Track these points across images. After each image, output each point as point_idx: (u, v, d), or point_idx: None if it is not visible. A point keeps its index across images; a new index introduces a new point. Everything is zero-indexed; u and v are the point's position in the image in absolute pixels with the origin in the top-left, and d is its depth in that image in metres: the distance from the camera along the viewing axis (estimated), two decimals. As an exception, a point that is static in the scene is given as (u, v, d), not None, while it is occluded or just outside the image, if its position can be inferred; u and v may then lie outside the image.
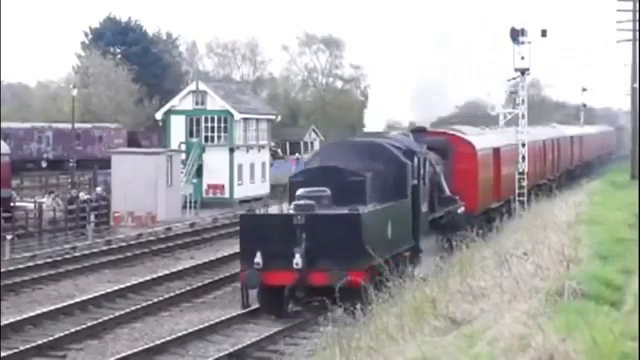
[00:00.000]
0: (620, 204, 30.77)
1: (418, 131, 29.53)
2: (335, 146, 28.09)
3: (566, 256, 15.53)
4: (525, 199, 37.28)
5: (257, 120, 58.12)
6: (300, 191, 22.73)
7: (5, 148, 41.55)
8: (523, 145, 40.50)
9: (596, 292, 13.38)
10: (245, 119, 55.94)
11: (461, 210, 29.40)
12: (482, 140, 35.57)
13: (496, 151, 36.80)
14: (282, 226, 22.32)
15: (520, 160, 40.22)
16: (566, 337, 10.16)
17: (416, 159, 25.62)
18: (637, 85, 50.00)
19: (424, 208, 25.91)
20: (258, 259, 21.71)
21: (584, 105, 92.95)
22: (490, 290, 15.20)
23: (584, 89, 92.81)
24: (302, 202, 22.26)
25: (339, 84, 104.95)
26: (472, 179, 32.29)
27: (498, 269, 16.69)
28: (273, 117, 62.05)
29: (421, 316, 14.58)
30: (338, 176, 23.28)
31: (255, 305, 22.92)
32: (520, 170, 39.96)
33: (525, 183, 39.71)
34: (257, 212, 24.93)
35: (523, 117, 40.97)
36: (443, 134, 32.87)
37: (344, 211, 21.87)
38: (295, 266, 21.42)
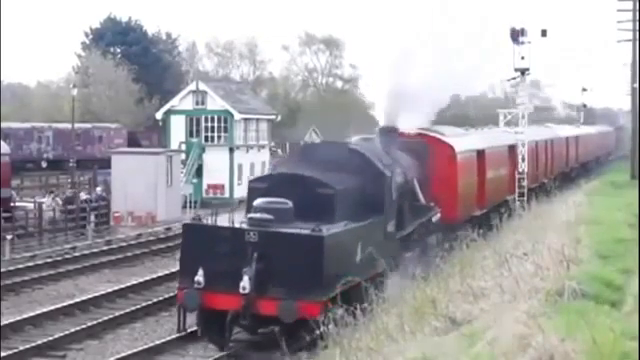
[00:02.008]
0: (620, 204, 30.76)
1: (388, 132, 26.13)
2: (307, 149, 25.58)
3: (566, 256, 15.53)
4: (525, 199, 37.24)
5: (257, 120, 58.11)
6: (258, 201, 19.60)
7: (5, 148, 41.50)
8: (523, 145, 40.51)
9: (596, 292, 13.40)
10: (245, 119, 55.93)
11: (436, 218, 26.63)
12: (464, 142, 32.67)
13: (480, 154, 33.94)
14: (231, 242, 18.80)
15: (520, 160, 40.21)
16: (566, 337, 10.16)
17: None
18: (637, 85, 49.99)
19: (390, 227, 22.41)
20: (200, 277, 18.62)
21: (584, 105, 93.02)
22: (490, 290, 15.21)
23: (584, 89, 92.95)
24: (258, 215, 19.06)
25: (339, 84, 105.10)
26: (451, 185, 29.49)
27: (498, 269, 16.70)
28: (273, 117, 62.04)
29: (421, 316, 14.60)
30: (304, 186, 20.13)
31: (193, 328, 20.18)
32: (520, 170, 39.96)
33: (525, 183, 39.66)
34: (203, 222, 20.93)
35: (523, 117, 40.99)
36: (418, 135, 29.48)
37: (305, 231, 18.57)
38: (242, 290, 18.14)
